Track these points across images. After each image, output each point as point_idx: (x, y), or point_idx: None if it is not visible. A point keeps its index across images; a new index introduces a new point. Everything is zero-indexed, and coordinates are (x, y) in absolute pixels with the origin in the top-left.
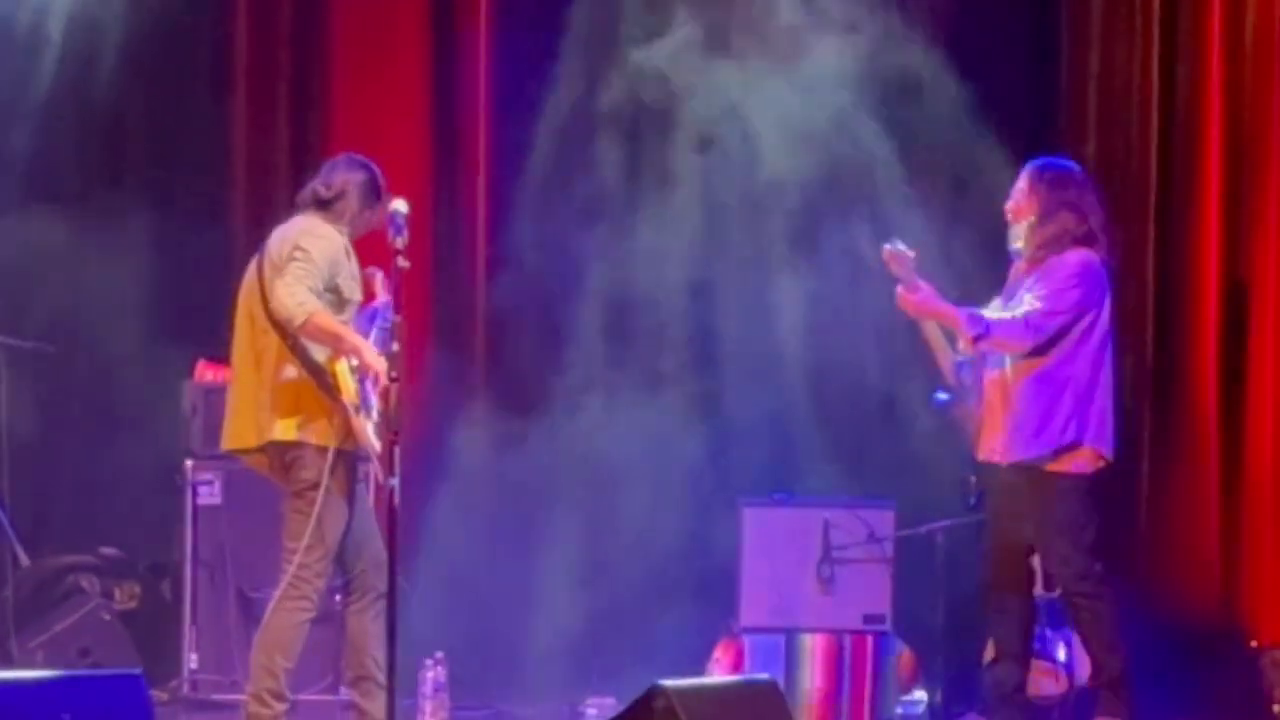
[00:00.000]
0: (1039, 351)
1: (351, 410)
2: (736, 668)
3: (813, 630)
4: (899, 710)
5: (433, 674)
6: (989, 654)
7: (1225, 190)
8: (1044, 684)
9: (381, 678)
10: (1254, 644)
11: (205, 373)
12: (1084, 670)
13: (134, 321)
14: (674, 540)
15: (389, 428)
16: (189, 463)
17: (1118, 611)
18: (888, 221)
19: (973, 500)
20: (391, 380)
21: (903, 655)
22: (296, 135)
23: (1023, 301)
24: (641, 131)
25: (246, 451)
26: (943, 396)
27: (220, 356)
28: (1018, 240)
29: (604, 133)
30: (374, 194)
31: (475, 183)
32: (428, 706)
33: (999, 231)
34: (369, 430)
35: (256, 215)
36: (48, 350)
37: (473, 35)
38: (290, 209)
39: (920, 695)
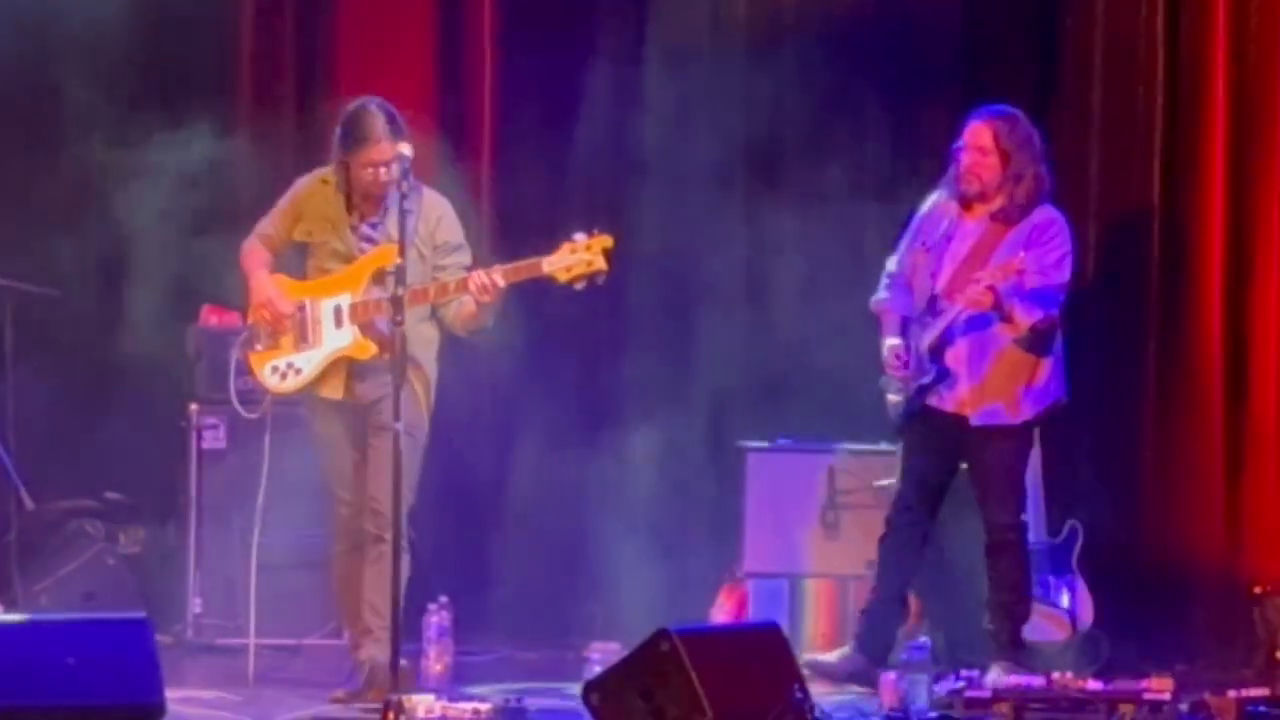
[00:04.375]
0: None
1: (239, 344)
2: (740, 613)
3: (816, 576)
4: (903, 656)
5: (436, 619)
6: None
7: (1231, 141)
8: (1048, 629)
9: (378, 623)
10: (1256, 590)
11: (210, 317)
12: (1087, 615)
13: (139, 265)
14: (680, 485)
15: (394, 373)
16: (193, 407)
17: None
18: (883, 173)
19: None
20: (397, 324)
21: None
22: (303, 74)
23: (1032, 270)
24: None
25: None
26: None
27: (225, 301)
28: (973, 191)
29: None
30: (347, 138)
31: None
32: (431, 651)
33: None
34: (265, 370)
35: (262, 158)
36: (53, 294)
37: None
38: (295, 151)
39: (924, 640)
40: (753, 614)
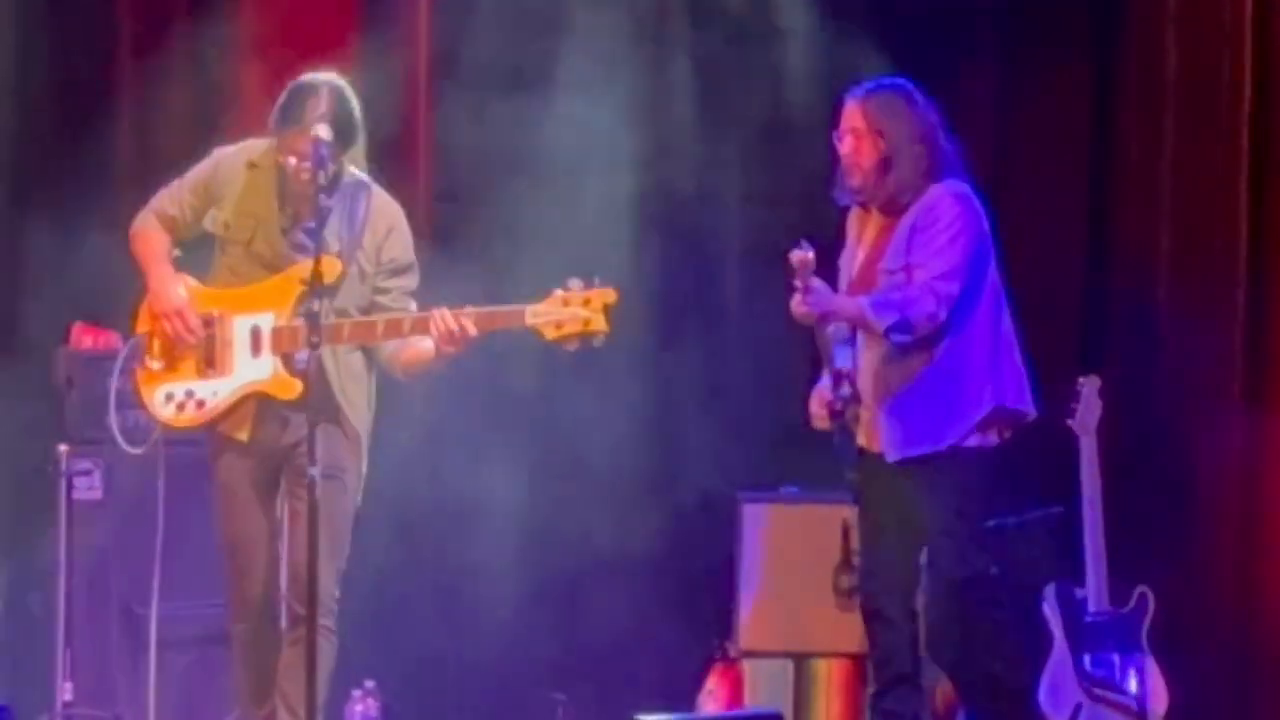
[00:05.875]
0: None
1: (123, 357)
2: (734, 701)
3: (828, 655)
4: None
5: (362, 707)
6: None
7: None
8: None
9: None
10: None
11: (82, 338)
12: (1160, 703)
13: None
14: (657, 543)
15: (309, 408)
16: (62, 448)
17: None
18: None
19: None
20: (312, 345)
21: (941, 687)
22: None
23: (912, 267)
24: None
25: None
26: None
27: (101, 318)
28: (855, 184)
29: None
30: (279, 116)
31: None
32: None
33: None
34: (157, 396)
35: (144, 150)
36: None
37: None
38: (186, 137)
39: None
40: (749, 701)
